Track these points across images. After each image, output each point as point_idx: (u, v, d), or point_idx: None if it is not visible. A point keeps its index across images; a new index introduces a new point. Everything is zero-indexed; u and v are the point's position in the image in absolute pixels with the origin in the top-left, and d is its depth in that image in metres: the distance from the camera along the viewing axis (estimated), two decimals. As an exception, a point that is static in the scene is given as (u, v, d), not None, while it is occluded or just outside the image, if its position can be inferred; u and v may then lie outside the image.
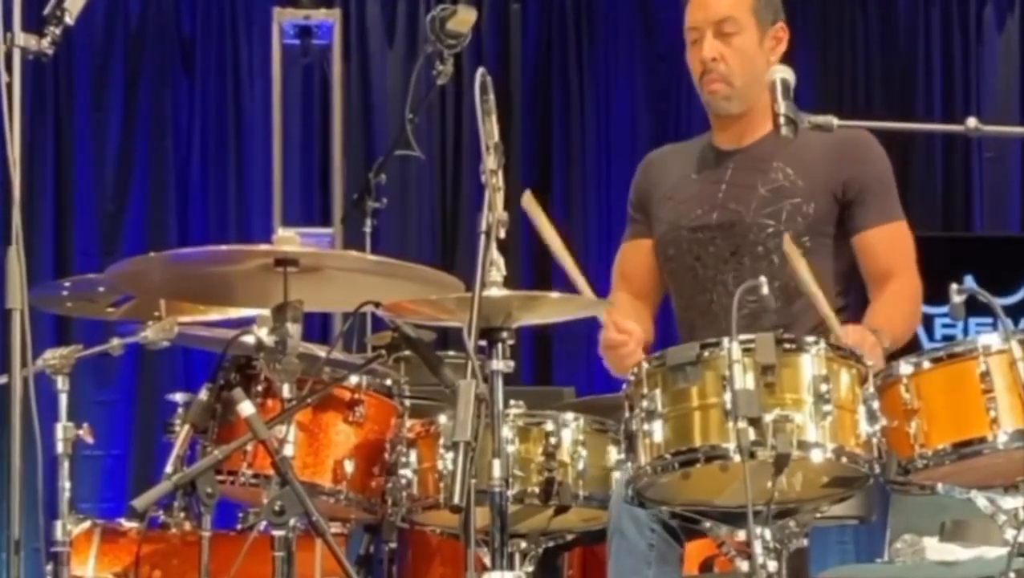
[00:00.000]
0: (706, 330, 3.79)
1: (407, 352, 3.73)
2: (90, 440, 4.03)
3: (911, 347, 3.71)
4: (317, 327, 6.20)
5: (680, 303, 3.98)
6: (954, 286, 3.41)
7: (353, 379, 3.91)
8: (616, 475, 3.71)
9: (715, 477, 3.31)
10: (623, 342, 3.75)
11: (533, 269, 7.04)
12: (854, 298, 3.97)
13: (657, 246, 4.02)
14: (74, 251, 6.98)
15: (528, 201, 3.73)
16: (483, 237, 3.38)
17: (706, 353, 3.29)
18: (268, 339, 3.53)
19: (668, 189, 4.02)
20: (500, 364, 3.48)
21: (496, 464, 3.40)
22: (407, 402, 4.04)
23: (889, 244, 3.90)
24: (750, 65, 3.87)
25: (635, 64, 7.34)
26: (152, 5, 7.16)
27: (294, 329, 3.52)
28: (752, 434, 3.18)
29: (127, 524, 4.26)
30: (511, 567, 3.70)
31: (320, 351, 3.90)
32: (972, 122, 3.38)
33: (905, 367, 3.34)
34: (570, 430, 3.78)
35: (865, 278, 3.93)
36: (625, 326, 3.80)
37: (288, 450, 3.61)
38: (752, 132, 3.94)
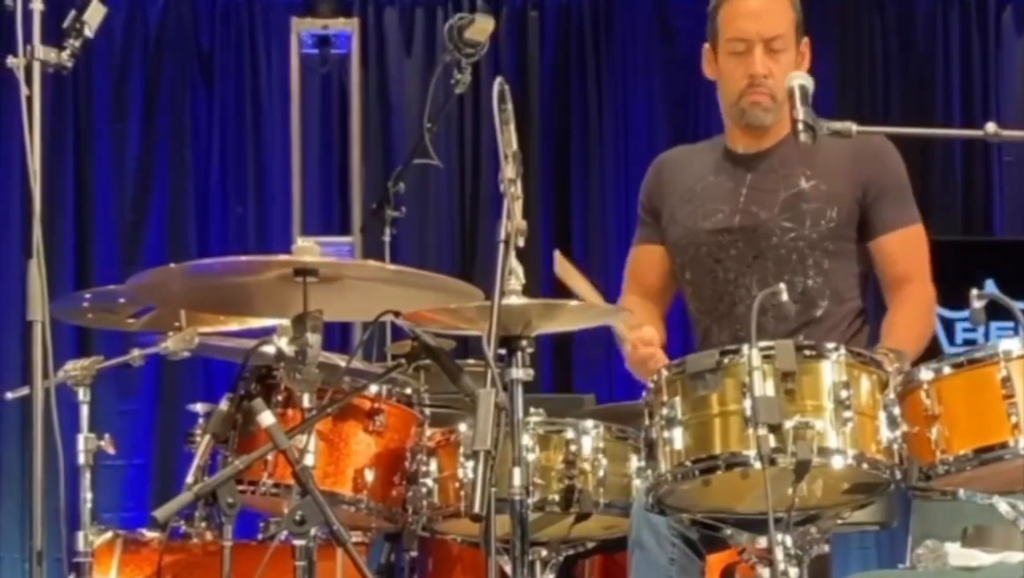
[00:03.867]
0: (725, 333, 3.79)
1: (427, 361, 3.73)
2: (111, 450, 4.05)
3: (931, 352, 3.70)
4: (337, 336, 6.20)
5: (698, 306, 3.97)
6: (974, 291, 3.40)
7: (373, 388, 3.92)
8: (637, 484, 3.70)
9: (736, 484, 3.31)
10: (651, 355, 3.75)
11: (552, 277, 7.04)
12: (871, 303, 3.97)
13: (673, 249, 4.01)
14: (94, 262, 7.00)
15: (560, 263, 3.77)
16: (502, 246, 3.38)
17: (726, 360, 3.28)
18: (288, 349, 3.53)
19: (684, 191, 4.01)
20: (520, 372, 3.48)
21: (516, 472, 3.40)
22: (427, 411, 4.04)
23: (905, 249, 3.90)
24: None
25: (652, 71, 7.33)
26: (170, 16, 7.17)
27: (314, 339, 3.52)
28: (772, 441, 3.17)
29: (149, 534, 4.28)
30: (532, 575, 3.70)
31: (340, 360, 3.90)
32: (991, 127, 3.37)
33: (926, 373, 3.33)
34: (590, 438, 3.78)
35: (880, 281, 3.92)
36: (647, 337, 3.80)
37: (308, 459, 3.61)
38: (772, 136, 3.94)
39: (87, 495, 3.95)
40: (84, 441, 3.98)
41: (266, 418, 3.41)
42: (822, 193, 3.86)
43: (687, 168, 4.05)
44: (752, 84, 3.88)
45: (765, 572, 3.37)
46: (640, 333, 3.82)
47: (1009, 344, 3.29)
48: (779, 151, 3.92)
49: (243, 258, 3.70)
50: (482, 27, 5.36)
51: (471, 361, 4.11)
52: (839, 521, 3.47)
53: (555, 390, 6.72)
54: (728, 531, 3.44)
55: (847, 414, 3.24)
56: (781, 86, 3.85)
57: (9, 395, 4.18)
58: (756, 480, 3.21)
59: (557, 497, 3.74)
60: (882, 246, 3.89)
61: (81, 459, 3.97)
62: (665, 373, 3.37)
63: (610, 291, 3.96)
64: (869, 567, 6.35)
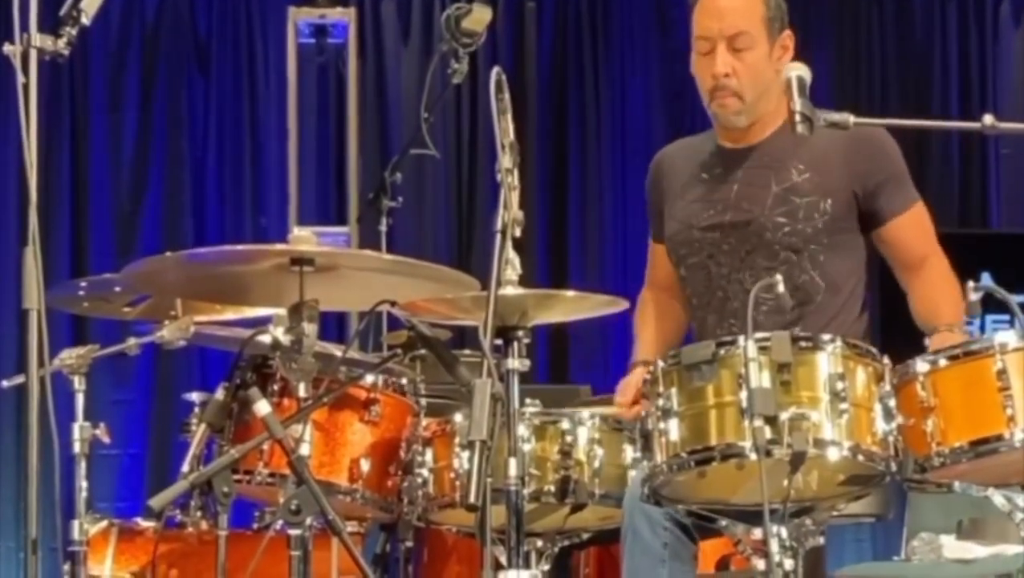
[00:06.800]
0: (720, 328, 3.79)
1: (423, 351, 3.73)
2: (107, 440, 4.04)
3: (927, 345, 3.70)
4: (333, 326, 6.20)
5: (694, 301, 3.97)
6: (970, 283, 3.40)
7: (369, 378, 3.92)
8: (632, 475, 3.70)
9: (731, 475, 3.31)
10: (640, 412, 3.72)
11: (549, 267, 7.05)
12: (870, 294, 3.97)
13: (670, 244, 4.01)
14: (91, 251, 7.00)
15: None
16: (498, 236, 3.37)
17: (722, 351, 3.29)
18: (284, 338, 3.54)
19: (679, 188, 4.01)
20: (516, 363, 3.48)
21: (512, 463, 3.40)
22: (423, 401, 4.04)
23: (916, 228, 3.90)
24: (760, 79, 3.84)
25: (650, 62, 7.33)
26: (168, 5, 7.17)
27: (310, 328, 3.53)
28: (768, 432, 3.17)
29: (144, 523, 4.28)
30: (527, 566, 3.70)
31: (336, 350, 3.91)
32: (988, 119, 3.37)
33: (922, 365, 3.33)
34: (586, 428, 3.78)
35: (895, 265, 3.92)
36: (628, 400, 3.79)
37: (304, 449, 3.61)
38: (761, 131, 3.92)
39: (82, 484, 3.95)
40: (79, 430, 3.98)
41: (262, 407, 3.41)
42: (815, 185, 3.85)
43: (683, 164, 4.04)
44: (717, 86, 3.86)
45: (760, 564, 3.37)
46: (624, 397, 3.80)
47: (1005, 337, 3.30)
48: (770, 145, 3.91)
49: (239, 247, 3.72)
50: (479, 17, 5.36)
51: (467, 351, 4.11)
52: (834, 513, 3.47)
53: (551, 381, 6.72)
54: (723, 522, 3.44)
55: (843, 406, 3.24)
56: (748, 85, 3.84)
57: (5, 383, 4.18)
58: (752, 471, 3.21)
59: (553, 488, 3.74)
60: (891, 233, 3.88)
61: (76, 448, 3.97)
62: (661, 364, 3.37)
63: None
64: (864, 559, 6.36)
